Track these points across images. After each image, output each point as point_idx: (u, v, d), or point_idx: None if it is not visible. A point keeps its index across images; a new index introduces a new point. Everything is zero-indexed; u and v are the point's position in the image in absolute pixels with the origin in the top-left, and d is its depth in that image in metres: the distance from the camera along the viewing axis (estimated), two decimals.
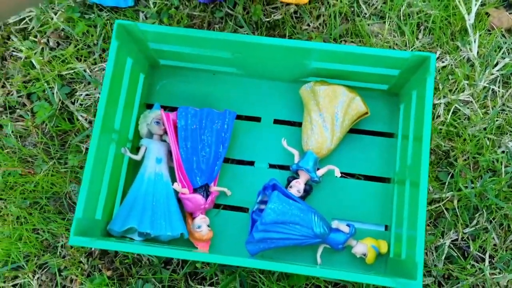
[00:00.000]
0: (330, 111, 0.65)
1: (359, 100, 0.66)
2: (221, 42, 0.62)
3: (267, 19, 0.77)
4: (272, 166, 0.71)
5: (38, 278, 0.68)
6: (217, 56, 0.67)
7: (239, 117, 0.72)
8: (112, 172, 0.63)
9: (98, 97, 0.74)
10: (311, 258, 0.66)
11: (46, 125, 0.73)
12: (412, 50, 0.75)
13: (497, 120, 0.73)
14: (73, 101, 0.74)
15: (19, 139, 0.73)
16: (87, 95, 0.74)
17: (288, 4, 0.78)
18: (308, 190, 0.67)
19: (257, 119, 0.72)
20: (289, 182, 0.67)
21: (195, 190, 0.65)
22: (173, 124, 0.66)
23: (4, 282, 0.68)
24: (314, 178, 0.66)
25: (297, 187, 0.65)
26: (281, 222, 0.61)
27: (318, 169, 0.67)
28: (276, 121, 0.72)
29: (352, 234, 0.64)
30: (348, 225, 0.64)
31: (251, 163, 0.71)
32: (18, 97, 0.75)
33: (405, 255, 0.59)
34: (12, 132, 0.72)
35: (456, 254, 0.69)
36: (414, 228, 0.56)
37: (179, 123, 0.64)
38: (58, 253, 0.69)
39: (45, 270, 0.68)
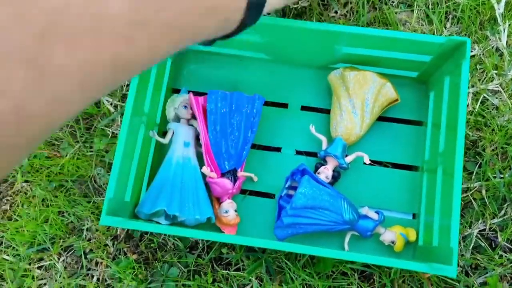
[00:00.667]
0: (360, 97, 0.65)
1: (389, 86, 0.65)
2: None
3: (294, 6, 0.76)
4: (298, 152, 0.70)
5: (63, 260, 0.68)
6: (245, 41, 0.66)
7: (266, 103, 0.71)
8: (141, 155, 0.63)
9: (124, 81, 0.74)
10: (338, 245, 0.66)
11: None
12: None
13: None
14: None
15: None
16: None
17: None
18: (336, 176, 0.66)
19: (284, 105, 0.72)
20: (317, 168, 0.67)
21: (222, 175, 0.65)
22: (201, 108, 0.65)
23: (30, 264, 0.68)
24: (343, 165, 0.65)
25: (325, 173, 0.65)
26: (310, 207, 0.60)
27: (346, 155, 0.66)
28: (303, 108, 0.72)
29: (381, 221, 0.63)
30: (377, 212, 0.64)
31: (278, 149, 0.70)
32: None
33: (438, 242, 0.58)
34: None
35: (483, 244, 0.68)
36: (448, 215, 0.55)
37: (209, 106, 0.64)
38: (83, 236, 0.68)
39: (70, 253, 0.68)
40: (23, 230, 0.68)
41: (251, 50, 0.70)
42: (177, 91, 0.72)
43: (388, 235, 0.63)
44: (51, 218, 0.68)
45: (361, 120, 0.65)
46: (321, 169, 0.66)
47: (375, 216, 0.63)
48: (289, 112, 0.71)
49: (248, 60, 0.73)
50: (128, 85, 0.73)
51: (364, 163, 0.66)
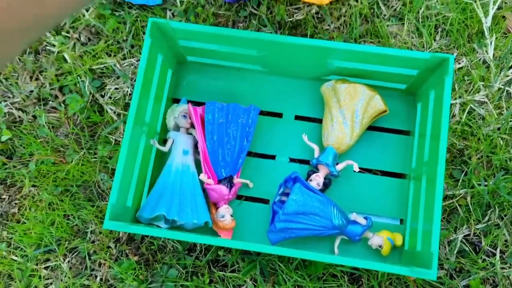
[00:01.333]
0: (350, 109, 0.68)
1: (378, 98, 0.69)
2: (247, 40, 0.65)
3: (290, 19, 0.80)
4: (292, 160, 0.74)
5: (68, 261, 0.71)
6: (242, 54, 0.70)
7: (261, 113, 0.75)
8: (142, 163, 0.67)
9: (127, 91, 0.77)
10: (328, 248, 0.70)
11: (78, 116, 0.76)
12: (429, 51, 0.78)
13: (511, 121, 0.75)
14: (102, 94, 0.78)
15: (51, 129, 0.76)
16: (116, 88, 0.78)
17: (310, 4, 0.80)
18: (327, 184, 0.70)
19: (279, 115, 0.75)
20: (309, 175, 0.70)
21: (219, 181, 0.68)
22: (200, 118, 0.69)
23: (37, 264, 0.71)
24: (333, 172, 0.69)
25: (316, 180, 0.68)
26: (301, 212, 0.64)
27: (337, 164, 0.70)
28: (297, 117, 0.75)
29: (369, 226, 0.66)
30: (365, 217, 0.67)
31: (273, 157, 0.74)
32: (51, 89, 0.78)
33: (421, 247, 0.61)
34: (46, 122, 0.76)
35: (468, 249, 0.71)
36: (430, 221, 0.59)
37: (206, 117, 0.68)
38: (87, 238, 0.72)
39: (75, 254, 0.72)
40: (31, 232, 0.72)
41: (248, 63, 0.74)
42: (177, 101, 0.75)
43: (375, 239, 0.67)
44: (57, 221, 0.72)
45: (351, 131, 0.69)
46: (313, 176, 0.69)
47: (363, 221, 0.67)
48: (284, 122, 0.75)
49: (245, 71, 0.76)
50: (130, 95, 0.77)
51: (354, 171, 0.69)
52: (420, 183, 0.66)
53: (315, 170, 0.71)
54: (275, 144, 0.74)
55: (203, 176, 0.67)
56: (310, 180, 0.69)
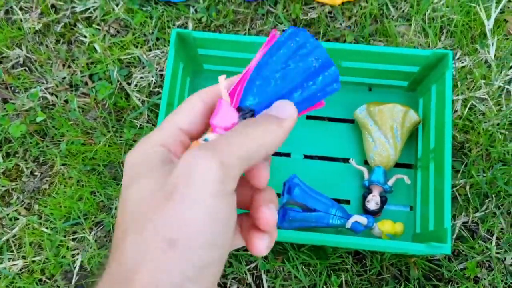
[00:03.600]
0: (389, 127, 0.74)
1: (412, 112, 0.74)
2: (261, 46, 0.70)
3: (304, 17, 0.86)
4: (307, 156, 0.79)
5: (94, 234, 0.77)
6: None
7: None
8: None
9: (152, 80, 0.83)
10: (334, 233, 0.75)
11: (106, 102, 0.83)
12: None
13: (509, 117, 0.80)
14: (129, 82, 0.84)
15: (81, 113, 0.83)
16: (141, 77, 0.84)
17: (323, 4, 0.86)
18: (384, 201, 0.74)
19: None
20: (364, 197, 0.75)
21: (239, 108, 0.40)
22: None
23: (65, 236, 0.77)
24: (387, 189, 0.73)
25: (374, 200, 0.73)
26: (300, 220, 0.70)
27: (387, 180, 0.74)
28: (309, 117, 0.81)
29: (369, 227, 0.71)
30: (367, 217, 0.72)
31: (288, 155, 0.79)
32: (82, 76, 0.85)
33: (433, 226, 0.66)
34: (77, 106, 0.82)
35: (466, 235, 0.76)
36: (441, 201, 0.63)
37: (280, 37, 0.42)
38: (112, 213, 0.78)
39: (100, 228, 0.78)
40: (60, 206, 0.78)
41: None
42: None
43: (376, 230, 0.72)
44: (85, 197, 0.78)
45: (394, 147, 0.74)
46: (370, 197, 0.74)
47: (364, 221, 0.71)
48: (297, 122, 0.80)
49: None
50: (155, 84, 0.83)
51: (406, 183, 0.74)
52: (427, 171, 0.71)
53: (369, 190, 0.75)
54: (289, 143, 0.78)
55: (222, 79, 0.38)
56: (368, 201, 0.73)
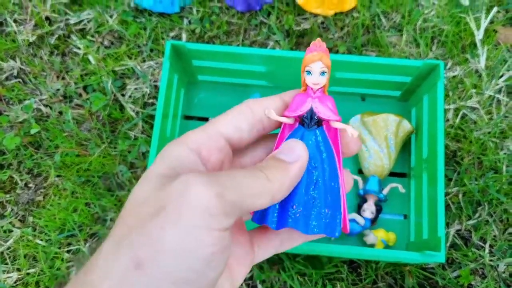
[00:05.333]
0: (383, 137, 0.75)
1: (406, 121, 0.75)
2: (256, 57, 0.71)
3: (297, 28, 0.87)
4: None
5: (89, 245, 0.77)
6: (250, 70, 0.76)
7: None
8: None
9: (146, 91, 0.84)
10: (328, 240, 0.75)
11: (100, 113, 0.83)
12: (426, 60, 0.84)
13: (500, 126, 0.81)
14: (123, 93, 0.84)
15: (76, 124, 0.83)
16: (135, 89, 0.84)
17: (316, 15, 0.87)
18: (379, 210, 0.75)
19: None
20: (360, 206, 0.75)
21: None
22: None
23: (60, 248, 0.77)
24: (382, 198, 0.74)
25: (369, 209, 0.74)
26: None
27: (382, 189, 0.75)
28: None
29: (365, 228, 0.72)
30: (364, 218, 0.73)
31: None
32: (76, 88, 0.85)
33: (427, 234, 0.67)
34: (71, 118, 0.82)
35: (459, 243, 0.77)
36: (434, 209, 0.64)
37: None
38: (107, 225, 0.78)
39: (95, 239, 0.78)
40: (55, 218, 0.78)
41: (254, 79, 0.79)
42: (189, 117, 0.81)
43: (371, 238, 0.72)
44: (80, 209, 0.78)
45: (389, 156, 0.75)
46: (365, 206, 0.74)
47: (361, 221, 0.72)
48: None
49: (252, 87, 0.82)
50: (149, 95, 0.83)
51: (401, 192, 0.75)
52: (421, 179, 0.72)
53: (364, 200, 0.75)
54: None
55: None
56: (363, 210, 0.74)
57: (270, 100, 0.30)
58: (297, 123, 0.31)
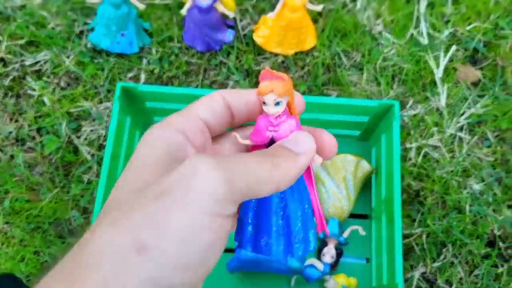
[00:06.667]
0: (341, 177, 0.73)
1: (364, 162, 0.74)
2: None
3: (257, 68, 0.86)
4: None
5: None
6: None
7: None
8: None
9: (102, 133, 0.82)
10: (286, 286, 0.72)
11: (53, 156, 0.80)
12: (387, 98, 0.84)
13: (463, 164, 0.80)
14: (78, 135, 0.82)
15: (27, 168, 0.80)
16: (91, 130, 0.82)
17: (276, 54, 0.87)
18: (339, 253, 0.72)
19: None
20: (320, 250, 0.72)
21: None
22: None
23: None
24: (343, 241, 0.71)
25: (330, 253, 0.71)
26: (255, 260, 0.67)
27: (343, 232, 0.72)
28: None
29: (325, 273, 0.69)
30: (324, 263, 0.70)
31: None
32: (29, 130, 0.82)
33: (386, 280, 0.64)
34: (22, 161, 0.79)
35: (424, 286, 0.74)
36: (392, 253, 0.62)
37: None
38: None
39: None
40: (1, 268, 0.74)
41: None
42: None
43: (331, 283, 0.70)
44: (27, 257, 0.74)
45: (348, 197, 0.73)
46: (325, 250, 0.71)
47: (320, 266, 0.69)
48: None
49: None
50: (105, 137, 0.81)
51: (361, 235, 0.71)
52: (380, 221, 0.70)
53: (324, 243, 0.72)
54: None
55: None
56: (323, 255, 0.71)
57: (242, 92, 0.30)
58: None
